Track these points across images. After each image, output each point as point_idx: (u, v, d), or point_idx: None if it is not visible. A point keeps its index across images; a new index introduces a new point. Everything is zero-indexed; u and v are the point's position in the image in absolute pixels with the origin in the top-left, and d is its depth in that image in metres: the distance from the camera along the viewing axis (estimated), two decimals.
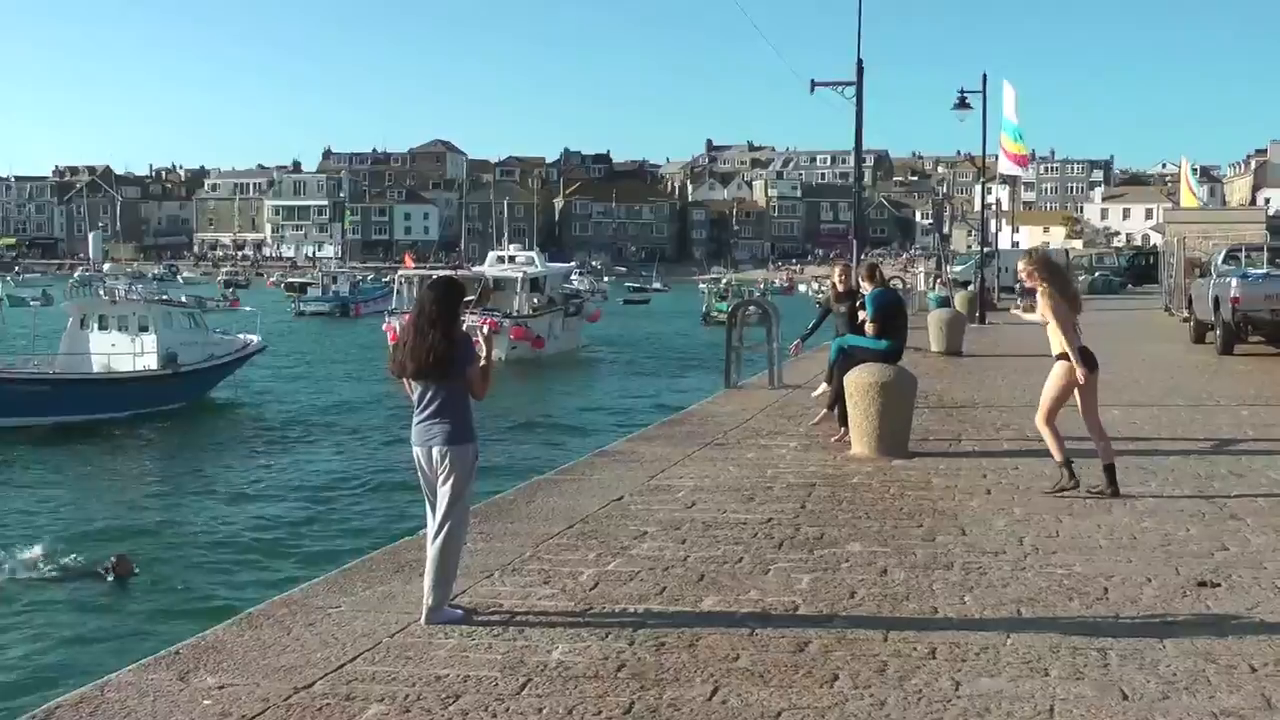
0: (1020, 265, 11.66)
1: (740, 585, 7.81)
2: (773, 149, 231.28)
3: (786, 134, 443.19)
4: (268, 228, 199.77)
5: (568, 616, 7.12)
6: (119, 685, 6.09)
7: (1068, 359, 10.55)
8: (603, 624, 6.95)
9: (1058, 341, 10.65)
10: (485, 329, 7.93)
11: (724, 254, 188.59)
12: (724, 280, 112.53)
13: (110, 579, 18.20)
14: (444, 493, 6.99)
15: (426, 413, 6.99)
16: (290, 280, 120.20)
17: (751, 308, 24.08)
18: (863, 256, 25.36)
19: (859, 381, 12.98)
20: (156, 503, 24.84)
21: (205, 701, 5.79)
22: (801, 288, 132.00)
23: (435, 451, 6.96)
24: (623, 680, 6.02)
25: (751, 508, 10.29)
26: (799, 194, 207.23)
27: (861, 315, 14.31)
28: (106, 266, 45.85)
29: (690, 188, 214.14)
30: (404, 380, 7.08)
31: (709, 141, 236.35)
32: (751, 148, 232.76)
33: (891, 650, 6.48)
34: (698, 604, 7.41)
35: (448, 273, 58.95)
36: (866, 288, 14.42)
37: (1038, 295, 10.95)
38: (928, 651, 6.46)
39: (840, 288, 15.41)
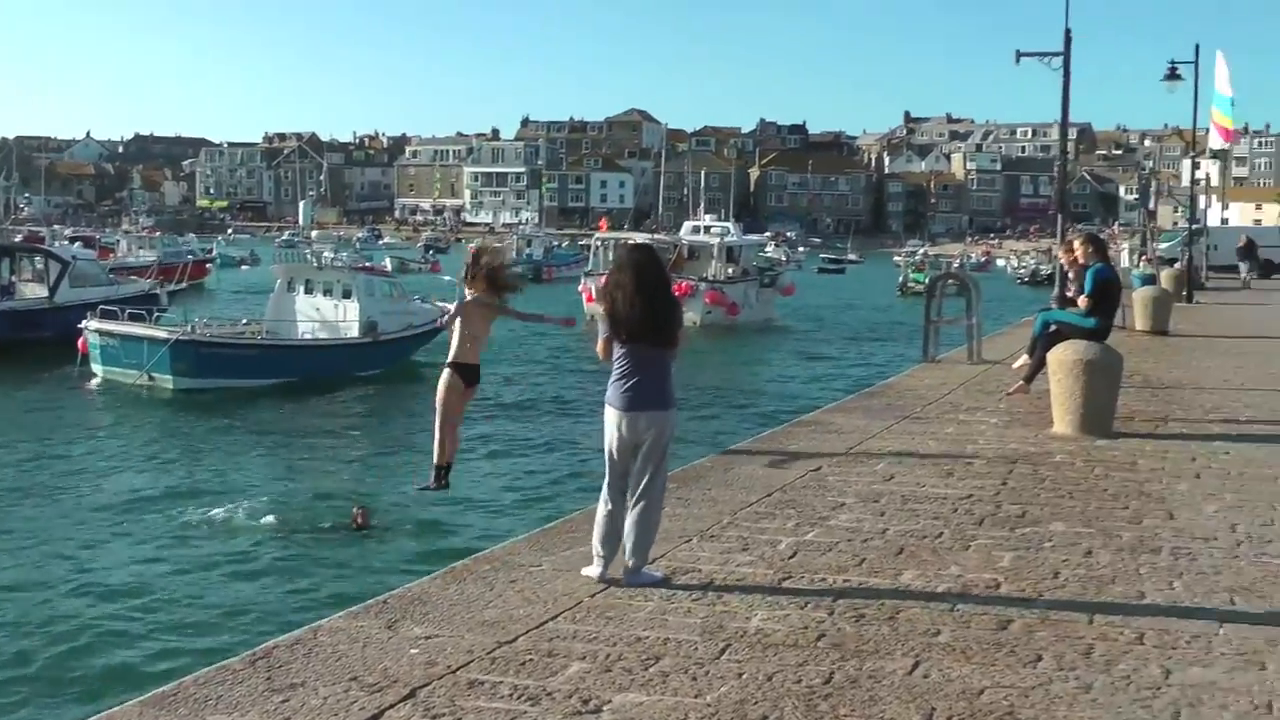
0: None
1: (940, 560, 7.71)
2: (972, 121, 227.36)
3: (987, 106, 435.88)
4: (466, 194, 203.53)
5: (766, 584, 7.11)
6: (330, 630, 6.29)
7: None
8: (801, 593, 6.93)
9: None
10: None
11: (920, 227, 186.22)
12: (919, 253, 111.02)
13: (353, 528, 18.91)
14: (653, 457, 6.93)
15: (638, 378, 6.85)
16: None
17: (950, 280, 23.74)
18: (1074, 227, 24.70)
19: (1063, 358, 12.66)
20: (371, 461, 25.70)
21: (412, 650, 5.93)
22: (1000, 262, 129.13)
23: (645, 417, 6.86)
24: (822, 650, 6.00)
25: (951, 482, 10.14)
26: (998, 167, 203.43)
27: (1072, 289, 13.95)
28: (314, 233, 47.12)
29: (887, 159, 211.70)
30: (603, 342, 6.96)
31: (907, 113, 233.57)
32: (950, 120, 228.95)
33: (1097, 634, 6.32)
34: (897, 577, 7.34)
35: (644, 237, 59.29)
36: (1079, 258, 14.02)
37: None
38: (1135, 637, 6.28)
39: (1081, 259, 14.58)
